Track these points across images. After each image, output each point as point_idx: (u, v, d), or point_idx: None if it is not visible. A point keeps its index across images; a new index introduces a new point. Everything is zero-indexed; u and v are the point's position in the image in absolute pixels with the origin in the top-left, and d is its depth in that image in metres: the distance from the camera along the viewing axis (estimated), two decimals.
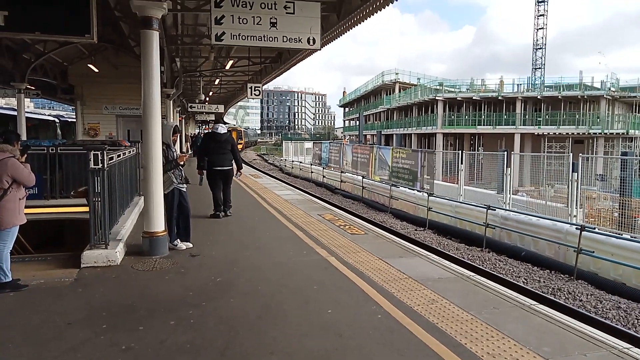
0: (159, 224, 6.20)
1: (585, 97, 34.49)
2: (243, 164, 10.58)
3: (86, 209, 5.81)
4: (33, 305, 4.42)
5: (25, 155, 5.11)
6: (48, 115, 30.69)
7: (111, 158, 6.13)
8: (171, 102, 17.75)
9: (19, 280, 4.87)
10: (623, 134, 33.09)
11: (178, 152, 6.83)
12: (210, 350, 3.52)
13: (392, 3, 8.97)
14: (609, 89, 34.38)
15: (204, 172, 8.94)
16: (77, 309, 4.30)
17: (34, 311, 4.26)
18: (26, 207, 5.02)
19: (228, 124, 63.80)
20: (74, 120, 20.00)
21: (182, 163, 6.67)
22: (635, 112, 37.33)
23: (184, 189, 6.77)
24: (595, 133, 32.55)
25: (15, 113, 16.29)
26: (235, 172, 9.38)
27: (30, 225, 5.41)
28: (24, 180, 4.82)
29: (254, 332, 3.86)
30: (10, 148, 4.81)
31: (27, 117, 16.15)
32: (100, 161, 5.54)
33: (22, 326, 3.94)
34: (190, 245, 6.66)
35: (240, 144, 55.83)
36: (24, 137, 12.59)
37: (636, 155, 25.26)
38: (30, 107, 41.38)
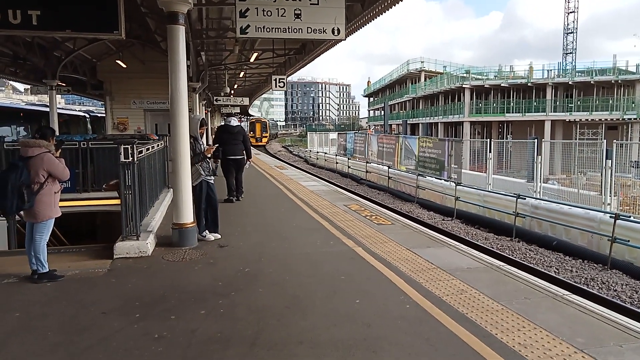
0: (187, 216, 6.31)
1: (620, 81, 33.33)
2: (268, 156, 11.15)
3: (117, 201, 5.96)
4: (69, 295, 4.56)
5: (60, 150, 5.25)
6: (78, 110, 31.48)
7: (140, 152, 6.25)
8: (197, 95, 17.93)
9: (55, 271, 5.03)
10: None
11: (205, 145, 6.91)
12: (240, 340, 3.57)
13: None
14: None
15: (219, 161, 9.32)
16: (111, 299, 4.42)
17: (70, 301, 4.41)
18: (60, 200, 5.17)
19: (253, 116, 64.05)
20: (104, 115, 20.46)
21: (209, 155, 6.75)
22: None
23: (212, 181, 6.85)
24: (630, 119, 31.47)
25: (47, 109, 16.78)
26: (245, 162, 10.05)
27: (64, 218, 5.57)
28: (59, 174, 4.96)
29: (282, 322, 3.90)
30: (46, 143, 4.95)
31: (58, 113, 16.59)
32: (130, 155, 5.65)
33: (58, 315, 4.07)
34: (219, 236, 6.75)
35: (266, 136, 55.81)
36: (57, 133, 12.94)
37: None
38: (61, 103, 42.52)
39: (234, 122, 10.01)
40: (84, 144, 9.53)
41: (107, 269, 5.34)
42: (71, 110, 31.29)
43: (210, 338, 3.60)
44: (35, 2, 5.52)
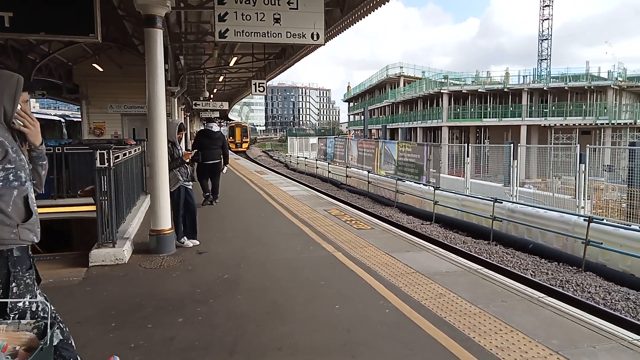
0: (165, 222, 6.23)
1: (592, 87, 34.17)
2: (248, 161, 11.39)
3: (93, 208, 5.85)
4: None
5: None
6: (54, 115, 30.83)
7: (117, 157, 6.15)
8: (176, 99, 17.76)
9: None
10: (631, 124, 32.78)
11: (183, 149, 6.84)
12: (219, 347, 3.53)
13: None
14: (616, 79, 34.00)
15: (195, 164, 9.29)
16: (86, 308, 4.33)
17: None
18: None
19: (232, 120, 63.11)
20: (80, 119, 20.08)
21: (187, 160, 6.68)
22: None
23: (190, 187, 6.78)
24: (603, 124, 32.30)
25: None
26: (222, 167, 10.39)
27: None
28: None
29: (261, 328, 3.87)
30: None
31: None
32: (106, 160, 5.56)
33: None
34: (197, 242, 6.69)
35: (246, 142, 53.87)
36: None
37: None
38: (35, 108, 41.61)
39: (215, 127, 10.29)
40: (58, 149, 9.34)
41: (82, 277, 5.23)
42: (46, 114, 30.63)
43: (188, 346, 3.55)
44: (7, 3, 5.37)
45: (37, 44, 13.62)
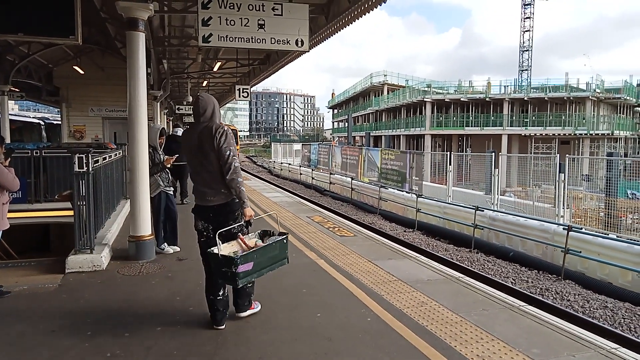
0: (145, 228, 6.12)
1: (571, 98, 34.89)
2: None
3: (71, 212, 5.72)
4: (16, 312, 4.32)
5: (10, 159, 5.00)
6: (33, 117, 30.23)
7: (96, 161, 6.05)
8: (158, 104, 17.58)
9: (1, 287, 4.76)
10: (608, 134, 33.57)
11: (164, 155, 6.74)
12: (198, 357, 3.46)
13: (380, 5, 8.97)
14: (594, 91, 34.82)
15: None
16: (62, 316, 4.21)
17: (16, 318, 4.17)
18: (10, 211, 4.91)
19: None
20: (60, 122, 19.73)
21: (168, 166, 6.59)
22: (620, 113, 37.89)
23: (171, 192, 6.69)
24: (581, 134, 32.97)
25: None
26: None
27: (14, 230, 5.30)
28: (8, 184, 4.70)
29: (242, 337, 3.81)
30: None
31: (11, 120, 15.88)
32: (85, 164, 5.45)
33: (4, 334, 3.84)
34: (178, 249, 6.59)
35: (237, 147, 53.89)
36: (7, 141, 12.37)
37: (621, 156, 25.57)
38: (14, 109, 40.77)
39: (180, 131, 10.83)
40: (36, 152, 9.14)
41: (58, 284, 5.10)
42: (25, 117, 30.03)
43: (166, 355, 3.48)
44: None
45: (17, 45, 13.36)
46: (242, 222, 3.95)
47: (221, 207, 3.92)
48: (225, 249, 3.67)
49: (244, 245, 3.80)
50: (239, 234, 3.88)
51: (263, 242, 3.93)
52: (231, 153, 3.84)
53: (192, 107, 4.47)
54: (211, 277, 3.93)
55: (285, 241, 3.93)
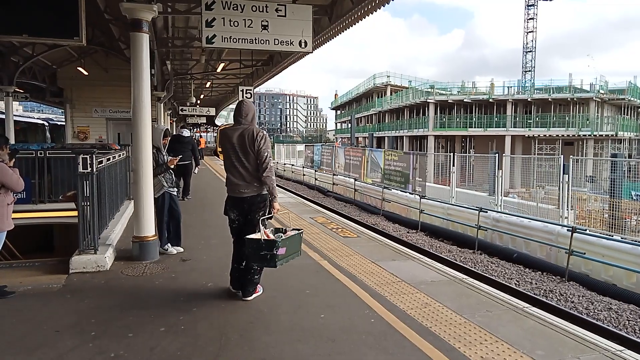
0: (149, 228, 6.13)
1: (575, 99, 34.74)
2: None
3: (75, 213, 5.73)
4: (20, 312, 4.33)
5: (14, 160, 5.02)
6: (37, 118, 30.34)
7: (100, 162, 6.05)
8: (162, 105, 17.63)
9: (5, 287, 4.78)
10: (612, 135, 33.42)
11: (168, 155, 6.75)
12: (202, 357, 3.46)
13: (383, 6, 8.97)
14: (598, 91, 34.65)
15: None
16: (65, 316, 4.22)
17: (20, 319, 4.18)
18: (14, 211, 4.93)
19: (217, 126, 62.99)
20: (64, 123, 19.80)
21: (172, 166, 6.60)
22: (624, 114, 37.73)
23: (175, 193, 6.70)
24: (585, 135, 32.83)
25: (2, 116, 16.09)
26: (193, 167, 11.93)
27: (18, 231, 5.32)
28: (13, 185, 4.72)
29: (245, 338, 3.81)
30: None
31: (15, 121, 15.92)
32: (89, 165, 5.46)
33: (8, 334, 3.85)
34: (181, 249, 6.59)
35: None
36: (12, 141, 12.42)
37: (625, 157, 25.47)
38: (19, 110, 40.94)
39: (186, 133, 11.97)
40: (40, 153, 9.17)
41: (62, 285, 5.11)
42: (29, 117, 30.14)
43: (170, 356, 3.48)
44: None
45: (21, 46, 13.44)
46: (272, 214, 4.56)
47: (253, 197, 4.57)
48: (254, 237, 4.28)
49: (266, 237, 4.27)
50: (264, 227, 4.38)
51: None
52: (268, 154, 4.51)
53: (234, 109, 5.05)
54: (239, 250, 4.67)
55: (301, 235, 4.57)
